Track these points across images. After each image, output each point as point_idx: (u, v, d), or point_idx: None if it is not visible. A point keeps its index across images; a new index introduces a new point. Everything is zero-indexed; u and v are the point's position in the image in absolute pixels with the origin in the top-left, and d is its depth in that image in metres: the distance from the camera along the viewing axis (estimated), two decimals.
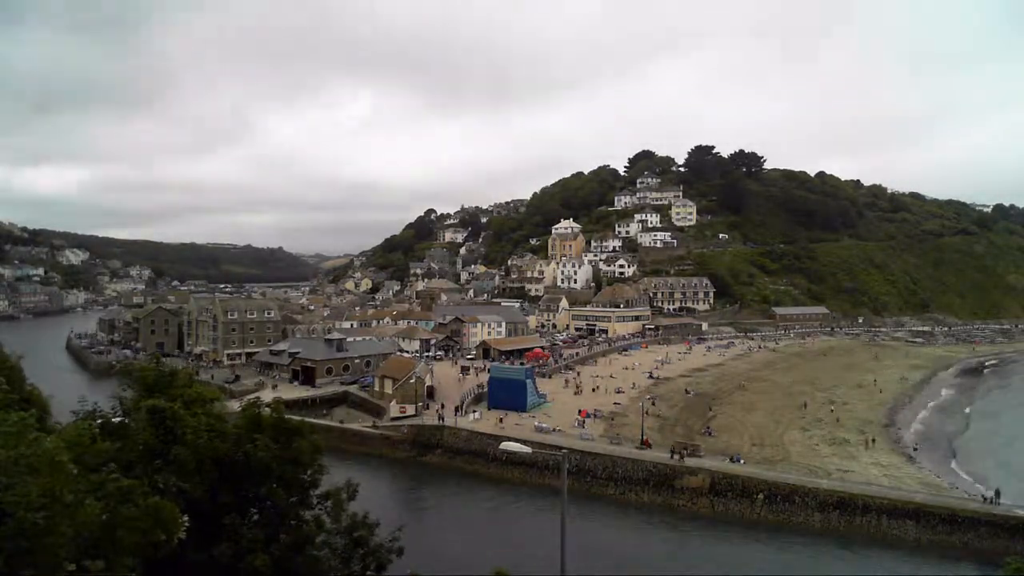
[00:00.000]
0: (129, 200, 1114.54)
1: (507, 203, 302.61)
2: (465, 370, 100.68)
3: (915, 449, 69.42)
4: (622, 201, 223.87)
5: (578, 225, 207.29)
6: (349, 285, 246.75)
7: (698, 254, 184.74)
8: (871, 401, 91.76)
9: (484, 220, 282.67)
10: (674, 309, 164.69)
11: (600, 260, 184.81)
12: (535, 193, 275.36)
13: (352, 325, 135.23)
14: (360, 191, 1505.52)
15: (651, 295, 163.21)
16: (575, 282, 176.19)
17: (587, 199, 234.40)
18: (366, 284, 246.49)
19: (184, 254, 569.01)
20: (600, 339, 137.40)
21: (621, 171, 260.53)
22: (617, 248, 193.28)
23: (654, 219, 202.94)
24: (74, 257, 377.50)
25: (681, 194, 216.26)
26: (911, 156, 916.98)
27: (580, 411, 74.84)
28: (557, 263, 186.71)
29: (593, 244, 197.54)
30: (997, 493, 49.78)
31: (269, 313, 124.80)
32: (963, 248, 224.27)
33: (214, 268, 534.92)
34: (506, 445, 22.51)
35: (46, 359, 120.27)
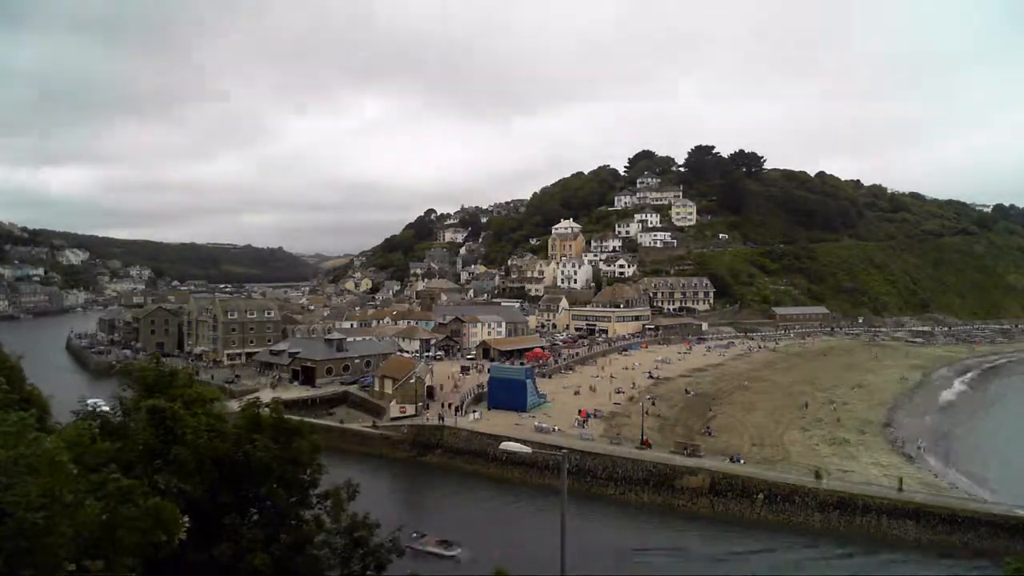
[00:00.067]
0: (130, 200, 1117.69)
1: (507, 203, 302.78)
2: (465, 370, 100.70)
3: (920, 448, 69.40)
4: (622, 201, 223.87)
5: (578, 225, 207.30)
6: (349, 285, 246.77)
7: (698, 254, 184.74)
8: (871, 401, 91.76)
9: (484, 220, 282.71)
10: (674, 309, 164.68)
11: (600, 260, 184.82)
12: (535, 193, 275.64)
13: (352, 325, 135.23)
14: (360, 191, 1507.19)
15: (651, 295, 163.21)
16: (575, 282, 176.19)
17: (587, 199, 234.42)
18: (366, 284, 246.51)
19: (184, 254, 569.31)
20: (600, 339, 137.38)
21: (621, 171, 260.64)
22: (617, 248, 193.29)
23: (654, 219, 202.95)
24: (74, 257, 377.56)
25: (681, 194, 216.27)
26: (911, 156, 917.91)
27: (580, 411, 74.80)
28: (557, 263, 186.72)
29: (593, 244, 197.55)
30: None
31: (269, 313, 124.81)
32: (963, 248, 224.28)
33: (214, 268, 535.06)
34: (506, 445, 22.52)
35: (46, 359, 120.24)
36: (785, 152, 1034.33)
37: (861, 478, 55.91)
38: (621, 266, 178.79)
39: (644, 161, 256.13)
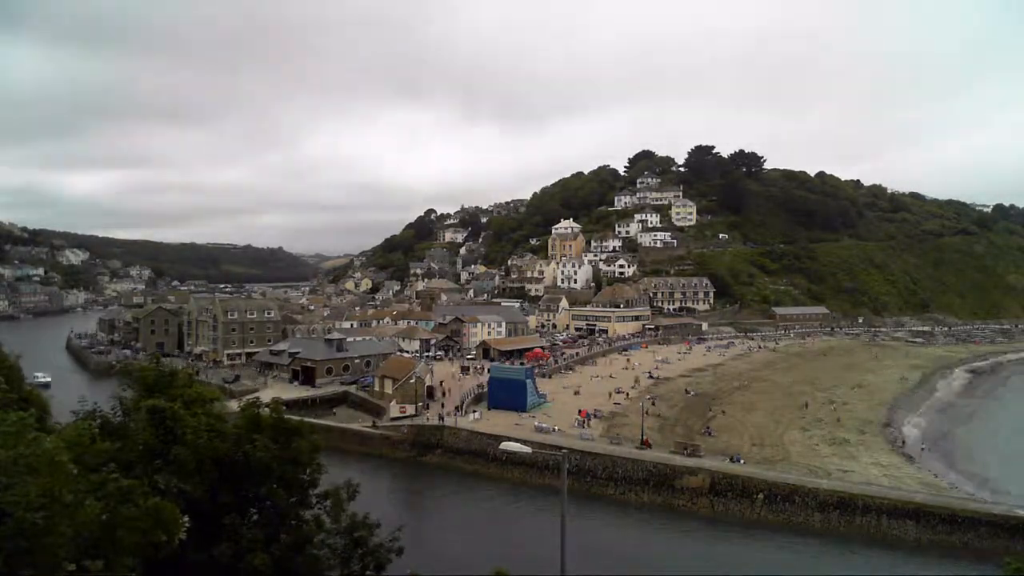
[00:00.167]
0: (133, 201, 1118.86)
1: (507, 203, 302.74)
2: (465, 370, 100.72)
3: (923, 449, 69.42)
4: (622, 201, 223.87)
5: (578, 225, 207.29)
6: (349, 285, 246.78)
7: (698, 254, 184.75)
8: (871, 401, 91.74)
9: (484, 220, 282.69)
10: (674, 309, 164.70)
11: (600, 260, 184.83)
12: (535, 193, 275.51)
13: (352, 325, 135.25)
14: (360, 191, 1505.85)
15: (651, 295, 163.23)
16: (575, 282, 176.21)
17: (587, 199, 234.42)
18: (366, 284, 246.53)
19: (184, 254, 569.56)
20: (600, 339, 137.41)
21: (621, 171, 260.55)
22: (617, 248, 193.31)
23: (654, 219, 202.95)
24: (74, 257, 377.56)
25: (681, 194, 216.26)
26: (911, 156, 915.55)
27: (580, 411, 74.81)
28: (557, 263, 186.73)
29: (593, 244, 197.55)
30: None
31: (269, 313, 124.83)
32: (963, 248, 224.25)
33: (214, 268, 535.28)
34: (506, 445, 22.51)
35: (46, 359, 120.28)
36: (785, 152, 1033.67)
37: (861, 478, 55.94)
38: (621, 266, 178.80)
39: (644, 161, 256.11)
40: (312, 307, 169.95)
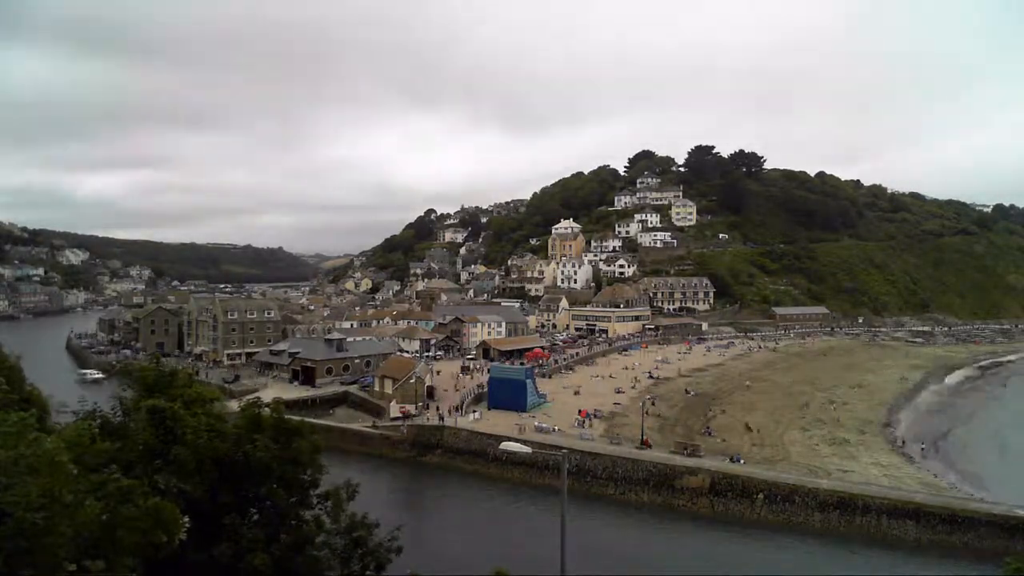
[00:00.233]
0: (133, 201, 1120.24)
1: (507, 203, 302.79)
2: (465, 370, 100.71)
3: (923, 448, 69.42)
4: (622, 201, 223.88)
5: (578, 225, 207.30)
6: (349, 285, 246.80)
7: (698, 254, 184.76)
8: (871, 401, 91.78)
9: (484, 220, 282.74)
10: (674, 309, 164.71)
11: (600, 260, 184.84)
12: (535, 193, 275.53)
13: (352, 325, 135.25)
14: (361, 192, 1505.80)
15: (651, 295, 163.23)
16: (575, 282, 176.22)
17: (587, 199, 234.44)
18: (366, 284, 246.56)
19: (184, 254, 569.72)
20: (600, 339, 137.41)
21: (621, 171, 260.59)
22: (617, 248, 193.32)
23: (654, 219, 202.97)
24: (74, 257, 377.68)
25: (681, 194, 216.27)
26: (911, 156, 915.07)
27: (580, 411, 74.83)
28: (557, 263, 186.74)
29: (593, 244, 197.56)
30: None
31: (269, 313, 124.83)
32: (963, 248, 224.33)
33: (214, 268, 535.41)
34: (506, 445, 22.55)
35: (46, 359, 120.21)
36: (785, 152, 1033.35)
37: (861, 478, 55.96)
38: (621, 266, 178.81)
39: (644, 161, 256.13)
40: (312, 307, 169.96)
